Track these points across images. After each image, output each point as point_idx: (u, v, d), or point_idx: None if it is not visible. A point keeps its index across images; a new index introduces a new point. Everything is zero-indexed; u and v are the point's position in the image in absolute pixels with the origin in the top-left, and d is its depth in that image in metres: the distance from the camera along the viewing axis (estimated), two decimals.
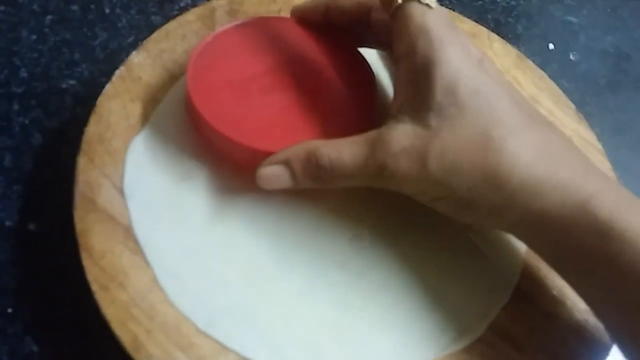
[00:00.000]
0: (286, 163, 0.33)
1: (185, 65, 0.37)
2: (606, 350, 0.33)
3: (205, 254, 0.34)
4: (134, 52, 0.39)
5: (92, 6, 0.46)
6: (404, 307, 0.33)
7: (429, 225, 0.34)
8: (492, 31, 0.46)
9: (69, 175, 0.35)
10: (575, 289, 0.32)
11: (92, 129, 0.36)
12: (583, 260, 0.30)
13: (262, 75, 0.37)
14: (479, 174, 0.30)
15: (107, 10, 0.46)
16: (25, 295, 0.34)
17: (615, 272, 0.29)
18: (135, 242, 0.33)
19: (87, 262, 0.32)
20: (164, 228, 0.34)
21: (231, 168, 0.36)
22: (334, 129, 0.35)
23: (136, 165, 0.35)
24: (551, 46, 0.51)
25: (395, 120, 0.32)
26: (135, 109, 0.37)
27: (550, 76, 0.44)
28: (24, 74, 0.42)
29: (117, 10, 0.46)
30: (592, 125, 0.42)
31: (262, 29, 0.39)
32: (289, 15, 0.40)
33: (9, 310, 0.34)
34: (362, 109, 0.37)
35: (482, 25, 0.46)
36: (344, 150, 0.32)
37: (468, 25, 0.46)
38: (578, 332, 0.33)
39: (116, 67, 0.38)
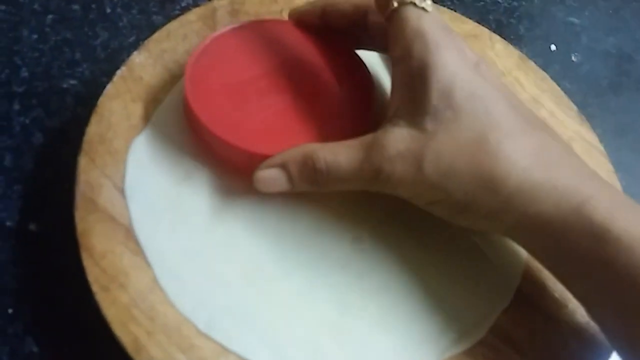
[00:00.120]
0: (283, 166, 0.33)
1: (186, 65, 0.37)
2: (608, 353, 0.33)
3: (206, 254, 0.34)
4: (135, 52, 0.39)
5: (93, 5, 0.46)
6: (405, 308, 0.33)
7: (430, 226, 0.34)
8: (494, 32, 0.46)
9: (70, 175, 0.35)
10: (572, 292, 0.32)
11: (93, 129, 0.36)
12: (579, 264, 0.30)
13: (259, 78, 0.37)
14: (475, 177, 0.30)
15: (109, 10, 0.46)
16: (25, 296, 0.34)
17: (611, 276, 0.29)
18: (136, 242, 0.33)
19: (87, 263, 0.32)
20: (165, 228, 0.34)
21: (232, 169, 0.36)
22: (331, 131, 0.35)
23: (137, 165, 0.35)
24: (553, 47, 0.51)
25: (391, 123, 0.32)
26: (137, 109, 0.37)
27: (552, 77, 0.44)
28: (24, 73, 0.42)
29: (118, 9, 0.46)
30: (593, 127, 0.42)
31: (259, 31, 0.39)
32: (289, 11, 0.40)
33: (10, 310, 0.34)
34: (360, 112, 0.37)
35: (483, 26, 0.46)
36: (340, 154, 0.32)
37: (470, 26, 0.45)
38: (580, 335, 0.33)
39: (117, 67, 0.38)
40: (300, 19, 0.39)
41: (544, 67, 0.44)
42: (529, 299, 0.34)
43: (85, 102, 0.40)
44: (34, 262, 0.35)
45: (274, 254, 0.34)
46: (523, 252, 0.35)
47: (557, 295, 0.34)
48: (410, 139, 0.31)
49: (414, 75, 0.32)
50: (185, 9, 0.46)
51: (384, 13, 0.34)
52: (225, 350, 0.31)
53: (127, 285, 0.31)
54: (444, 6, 0.47)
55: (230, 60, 0.38)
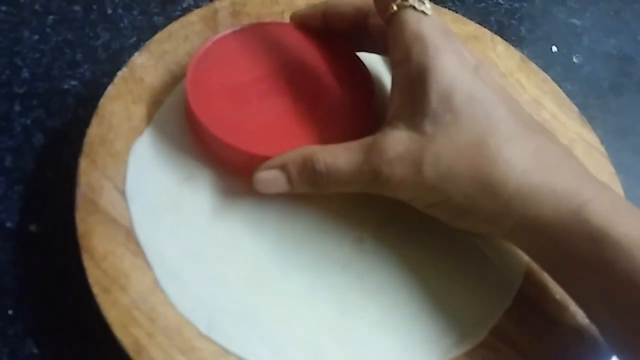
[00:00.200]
0: (283, 168, 0.33)
1: (187, 67, 0.37)
2: (609, 355, 0.33)
3: (206, 256, 0.34)
4: (136, 53, 0.39)
5: (95, 6, 0.46)
6: (405, 309, 0.33)
7: (431, 227, 0.34)
8: (496, 33, 0.46)
9: (71, 176, 0.35)
10: (571, 295, 0.32)
11: (94, 131, 0.36)
12: (578, 267, 0.30)
13: (260, 80, 0.37)
14: (475, 180, 0.30)
15: (110, 11, 0.46)
16: (25, 297, 0.34)
17: (610, 279, 0.29)
18: (137, 244, 0.33)
19: (88, 264, 0.32)
20: (166, 230, 0.34)
21: (233, 170, 0.36)
22: (331, 134, 0.35)
23: (138, 167, 0.35)
24: (554, 49, 0.51)
25: (390, 126, 0.32)
26: (138, 111, 0.37)
27: (553, 79, 0.44)
28: (25, 74, 0.42)
29: (120, 10, 0.46)
30: (594, 128, 0.42)
31: (260, 34, 0.39)
32: (291, 14, 0.40)
33: (10, 311, 0.34)
34: (360, 114, 0.37)
35: (485, 27, 0.46)
36: (339, 156, 0.32)
37: (471, 27, 0.45)
38: (581, 337, 0.33)
39: (118, 68, 0.38)
40: (301, 22, 0.39)
41: (545, 69, 0.44)
42: (531, 300, 0.34)
43: (86, 103, 0.40)
44: (34, 263, 0.35)
45: (274, 255, 0.34)
46: (524, 254, 0.35)
47: (558, 297, 0.34)
48: (410, 142, 0.31)
49: (414, 79, 0.32)
50: (186, 10, 0.46)
51: (384, 16, 0.34)
52: (225, 351, 0.31)
53: (127, 286, 0.31)
54: (445, 7, 0.47)
55: (231, 63, 0.38)
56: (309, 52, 0.39)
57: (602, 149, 0.41)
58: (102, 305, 0.31)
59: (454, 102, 0.31)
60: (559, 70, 0.49)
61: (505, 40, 0.45)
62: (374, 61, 0.40)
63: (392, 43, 0.33)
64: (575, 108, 0.42)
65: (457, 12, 0.47)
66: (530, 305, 0.34)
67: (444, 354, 0.32)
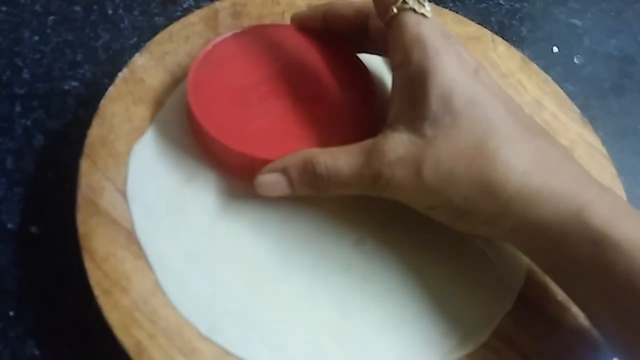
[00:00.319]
0: (284, 171, 0.33)
1: (188, 68, 0.37)
2: (610, 357, 0.33)
3: (207, 257, 0.33)
4: (137, 54, 0.39)
5: (95, 7, 0.46)
6: (407, 311, 0.33)
7: (433, 229, 0.34)
8: (496, 34, 0.45)
9: (71, 177, 0.35)
10: (571, 297, 0.32)
11: (94, 132, 0.36)
12: (578, 269, 0.30)
13: (261, 83, 0.37)
14: (475, 183, 0.30)
15: (110, 11, 0.46)
16: (26, 298, 0.34)
17: (610, 281, 0.29)
18: (138, 245, 0.33)
19: (89, 266, 0.32)
20: (167, 231, 0.34)
21: (234, 172, 0.36)
22: (332, 136, 0.35)
23: (139, 168, 0.35)
24: (555, 49, 0.51)
25: (391, 129, 0.32)
26: (138, 112, 0.37)
27: (554, 79, 0.44)
28: (26, 75, 0.42)
29: (120, 11, 0.46)
30: (596, 129, 0.42)
31: (261, 36, 0.39)
32: (291, 16, 0.40)
33: (11, 313, 0.34)
34: (361, 116, 0.37)
35: (486, 28, 0.46)
36: (340, 159, 0.32)
37: (472, 28, 0.45)
38: (583, 339, 0.33)
39: (119, 69, 0.38)
40: (301, 23, 0.39)
41: (546, 69, 0.44)
42: (533, 302, 0.34)
43: (87, 104, 0.40)
44: (35, 264, 0.35)
45: (275, 256, 0.34)
46: None
47: (560, 298, 0.34)
48: (410, 144, 0.31)
49: (414, 81, 0.32)
50: (187, 11, 0.46)
51: (384, 19, 0.34)
52: (227, 353, 0.31)
53: (129, 288, 0.31)
54: (446, 8, 0.47)
55: (232, 66, 0.38)
56: (309, 54, 0.39)
57: (604, 150, 0.41)
58: (103, 306, 0.31)
59: (454, 104, 0.31)
60: (560, 71, 0.49)
61: (506, 40, 0.45)
62: (375, 63, 0.40)
63: (392, 46, 0.33)
64: (576, 109, 0.42)
65: (457, 13, 0.47)
66: (531, 306, 0.34)
67: (446, 356, 0.32)
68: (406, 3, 0.32)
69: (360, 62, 0.39)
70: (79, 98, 0.41)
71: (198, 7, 0.45)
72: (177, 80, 0.39)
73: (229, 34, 0.39)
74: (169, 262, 0.33)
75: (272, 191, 0.34)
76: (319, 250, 0.34)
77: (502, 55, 0.44)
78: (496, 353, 0.33)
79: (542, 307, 0.34)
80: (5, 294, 0.34)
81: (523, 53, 0.45)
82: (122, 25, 0.45)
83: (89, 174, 0.34)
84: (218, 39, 0.38)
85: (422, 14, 0.32)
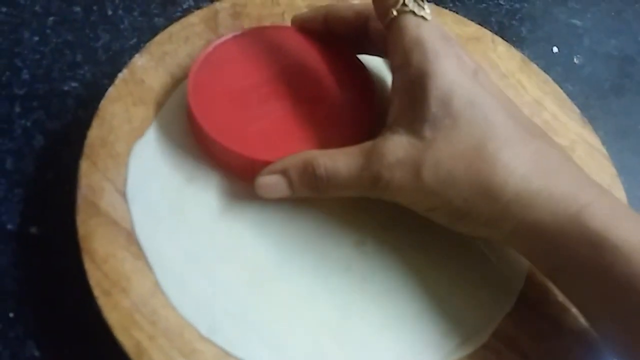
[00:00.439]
0: (284, 173, 0.33)
1: (188, 68, 0.37)
2: (611, 358, 0.33)
3: (208, 258, 0.33)
4: (137, 55, 0.39)
5: (95, 7, 0.46)
6: (407, 312, 0.33)
7: (433, 230, 0.34)
8: (496, 34, 0.45)
9: (71, 178, 0.34)
10: (570, 299, 0.32)
11: (94, 132, 0.36)
12: (577, 271, 0.30)
13: (261, 84, 0.37)
14: (473, 185, 0.30)
15: (110, 12, 0.46)
16: (26, 299, 0.34)
17: (609, 283, 0.29)
18: (138, 246, 0.33)
19: (89, 267, 0.32)
20: (167, 232, 0.34)
21: (234, 174, 0.36)
22: (333, 137, 0.35)
23: (139, 169, 0.35)
24: (555, 49, 0.50)
25: (390, 131, 0.32)
26: (138, 113, 0.37)
27: (554, 79, 0.44)
28: (25, 75, 0.42)
29: (120, 11, 0.46)
30: (595, 129, 0.42)
31: (261, 38, 0.39)
32: (292, 17, 0.40)
33: (11, 314, 0.34)
34: (362, 118, 0.37)
35: (486, 28, 0.46)
36: (339, 161, 0.33)
37: (472, 28, 0.45)
38: (584, 339, 0.33)
39: (119, 69, 0.38)
40: (302, 25, 0.39)
41: (546, 70, 0.44)
42: (533, 302, 0.34)
43: (87, 105, 0.40)
44: (35, 265, 0.35)
45: (276, 257, 0.34)
46: None
47: (560, 299, 0.34)
48: (409, 147, 0.31)
49: (413, 84, 0.32)
50: (187, 11, 0.46)
51: (384, 21, 0.34)
52: (227, 354, 0.31)
53: (128, 289, 0.31)
54: (446, 8, 0.47)
55: (232, 67, 0.38)
56: (310, 55, 0.39)
57: (604, 150, 0.41)
58: (103, 308, 0.31)
59: (453, 106, 0.31)
60: (560, 71, 0.48)
61: (506, 41, 0.45)
62: (375, 63, 0.40)
63: (391, 48, 0.34)
64: (576, 109, 0.42)
65: (457, 13, 0.47)
66: (532, 307, 0.34)
67: (446, 356, 0.32)
68: (406, 6, 0.33)
69: (360, 64, 0.39)
70: (79, 99, 0.41)
71: (198, 7, 0.45)
72: (177, 81, 0.39)
73: (230, 35, 0.39)
74: (169, 263, 0.33)
75: (272, 193, 0.34)
76: (319, 251, 0.34)
77: (502, 56, 0.44)
78: (496, 354, 0.32)
79: (543, 308, 0.34)
80: (5, 294, 0.34)
81: (523, 53, 0.45)
82: (121, 26, 0.45)
83: (88, 175, 0.34)
84: (218, 41, 0.38)
85: (422, 17, 0.33)
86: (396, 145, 0.32)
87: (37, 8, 0.45)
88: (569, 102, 0.43)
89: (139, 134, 0.36)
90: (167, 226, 0.34)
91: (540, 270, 0.33)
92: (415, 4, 0.33)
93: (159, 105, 0.38)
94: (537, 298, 0.34)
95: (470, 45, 0.44)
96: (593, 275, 0.29)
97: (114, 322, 0.30)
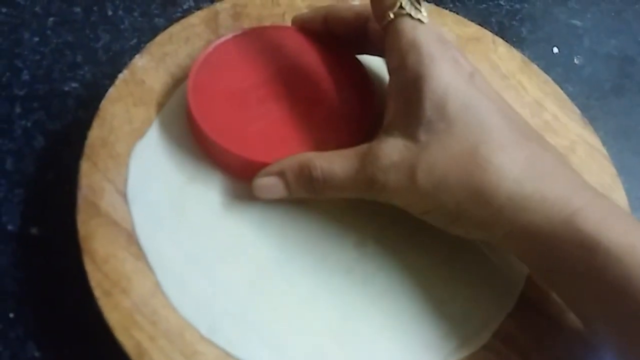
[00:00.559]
0: (280, 174, 0.34)
1: (188, 69, 0.37)
2: (612, 358, 0.33)
3: (208, 258, 0.33)
4: (137, 56, 0.39)
5: (95, 8, 0.46)
6: (408, 313, 0.33)
7: (434, 231, 0.34)
8: (497, 35, 0.45)
9: (72, 178, 0.34)
10: (565, 302, 0.32)
11: (95, 133, 0.36)
12: (570, 274, 0.30)
13: (261, 85, 0.37)
14: (466, 189, 0.30)
15: (110, 12, 0.46)
16: (27, 300, 0.34)
17: (602, 286, 0.29)
18: (138, 247, 0.33)
19: (90, 267, 0.32)
20: (167, 233, 0.34)
21: (233, 175, 0.36)
22: (331, 138, 0.35)
23: (139, 169, 0.35)
24: (555, 50, 0.50)
25: (386, 133, 0.33)
26: (139, 113, 0.37)
27: (554, 80, 0.44)
28: (26, 76, 0.42)
29: (120, 12, 0.46)
30: (596, 129, 0.42)
31: (261, 38, 0.39)
32: (292, 18, 0.40)
33: (11, 314, 0.34)
34: (361, 118, 0.37)
35: (486, 29, 0.46)
36: (335, 163, 0.33)
37: (472, 29, 0.45)
38: (584, 340, 0.33)
39: (119, 70, 0.38)
40: (302, 25, 0.40)
41: (547, 70, 0.44)
42: (533, 303, 0.34)
43: (87, 105, 0.40)
44: (35, 266, 0.35)
45: (276, 258, 0.34)
46: None
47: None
48: (404, 150, 0.31)
49: (409, 86, 0.32)
50: (187, 12, 0.46)
51: (381, 24, 0.34)
52: (228, 355, 0.31)
53: (129, 290, 0.31)
54: (446, 9, 0.47)
55: (232, 68, 0.38)
56: (310, 56, 0.39)
57: (604, 151, 0.41)
58: (104, 308, 0.31)
59: (448, 110, 0.31)
60: (560, 72, 0.48)
61: (506, 41, 0.45)
62: (375, 64, 0.40)
63: (388, 51, 0.34)
64: (576, 109, 0.42)
65: (458, 14, 0.47)
66: (532, 307, 0.34)
67: (447, 357, 0.32)
68: (403, 8, 0.33)
69: (360, 65, 0.39)
70: (79, 99, 0.41)
71: (198, 8, 0.45)
72: (178, 82, 0.38)
73: (229, 36, 0.39)
74: (170, 263, 0.33)
75: (269, 194, 0.34)
76: (320, 252, 0.34)
77: (503, 56, 0.44)
78: (497, 354, 0.32)
79: (543, 308, 0.34)
80: (5, 295, 0.34)
81: (523, 54, 0.45)
82: (122, 27, 0.45)
83: (89, 175, 0.34)
84: (218, 41, 0.38)
85: (419, 20, 0.33)
86: (391, 148, 0.32)
87: (37, 9, 0.45)
88: (569, 102, 0.43)
89: (139, 134, 0.36)
90: (167, 226, 0.34)
91: (535, 272, 0.33)
92: (412, 7, 0.33)
93: (160, 106, 0.38)
94: (537, 298, 0.34)
95: (470, 45, 0.44)
96: (586, 278, 0.29)
97: (114, 322, 0.30)
